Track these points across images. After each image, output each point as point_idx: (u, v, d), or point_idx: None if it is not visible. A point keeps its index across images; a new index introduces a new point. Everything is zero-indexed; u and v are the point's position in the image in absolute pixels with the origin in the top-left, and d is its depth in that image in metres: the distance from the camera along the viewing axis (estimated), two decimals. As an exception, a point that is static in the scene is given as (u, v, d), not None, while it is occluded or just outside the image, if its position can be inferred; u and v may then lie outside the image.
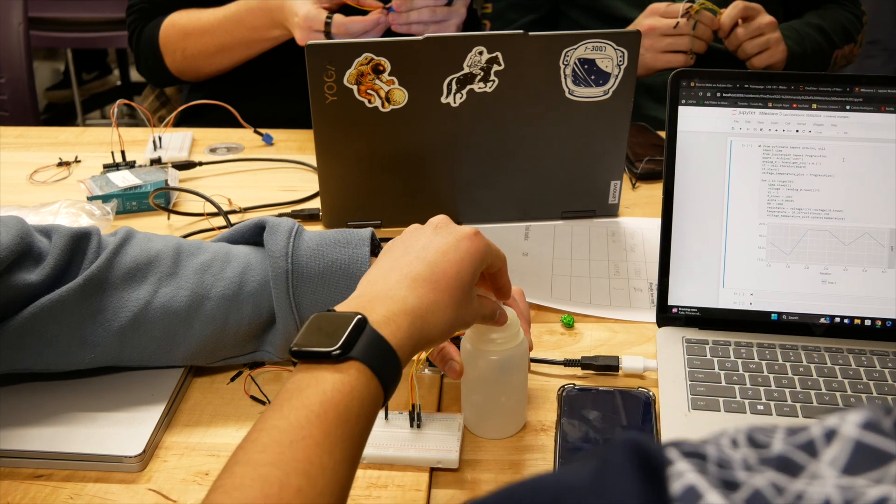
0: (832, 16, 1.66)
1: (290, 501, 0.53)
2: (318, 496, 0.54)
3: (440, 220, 0.75)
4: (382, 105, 1.09)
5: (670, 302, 0.95)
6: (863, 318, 0.93)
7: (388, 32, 1.36)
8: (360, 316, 0.63)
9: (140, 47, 1.60)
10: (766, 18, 1.47)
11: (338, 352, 0.60)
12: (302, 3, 1.34)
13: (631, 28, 1.48)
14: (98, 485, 0.77)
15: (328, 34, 1.31)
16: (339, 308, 0.66)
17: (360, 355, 0.61)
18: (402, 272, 0.69)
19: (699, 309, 0.95)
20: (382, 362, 0.62)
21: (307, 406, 0.58)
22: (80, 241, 0.85)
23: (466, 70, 1.08)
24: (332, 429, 0.57)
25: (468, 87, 1.09)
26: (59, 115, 3.45)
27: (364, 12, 1.35)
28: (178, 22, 1.54)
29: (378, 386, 0.62)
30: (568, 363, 0.91)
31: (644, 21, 1.49)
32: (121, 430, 0.81)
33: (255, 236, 0.90)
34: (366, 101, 1.09)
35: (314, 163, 1.18)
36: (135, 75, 3.55)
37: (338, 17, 1.32)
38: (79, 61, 3.43)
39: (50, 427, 0.81)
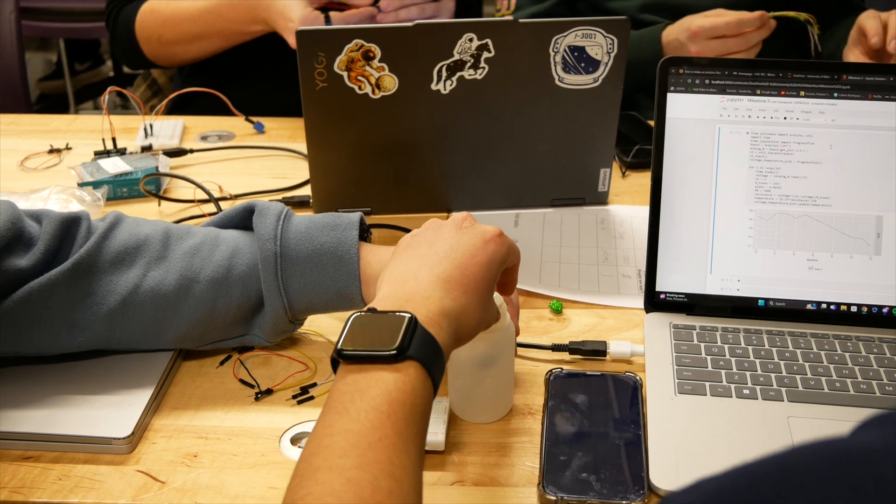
0: None
1: (385, 503, 0.53)
2: (405, 497, 0.55)
3: (463, 216, 0.76)
4: (373, 91, 1.09)
5: (658, 288, 0.95)
6: (849, 305, 0.93)
7: None
8: (411, 315, 0.63)
9: (116, 29, 1.60)
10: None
11: (395, 352, 0.61)
12: (294, 6, 1.34)
13: (682, 30, 1.44)
14: (87, 466, 0.78)
15: None
16: (375, 305, 0.66)
17: (417, 354, 0.61)
18: (432, 272, 0.69)
19: (687, 295, 0.95)
20: (434, 361, 0.63)
21: (375, 407, 0.58)
22: (70, 226, 0.85)
23: (457, 57, 1.08)
24: (403, 428, 0.58)
25: (458, 73, 1.09)
26: (52, 105, 3.44)
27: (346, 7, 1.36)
28: (156, 8, 1.54)
29: (431, 384, 0.63)
30: (556, 348, 0.92)
31: (694, 22, 1.43)
32: (110, 412, 0.81)
33: (244, 220, 0.90)
34: (356, 88, 1.09)
35: (305, 151, 1.18)
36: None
37: (335, 16, 1.32)
38: (71, 52, 3.42)
39: (40, 409, 0.81)
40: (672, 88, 0.95)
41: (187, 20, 1.50)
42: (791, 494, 0.38)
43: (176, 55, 1.56)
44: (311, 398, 0.85)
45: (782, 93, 0.94)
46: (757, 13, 1.39)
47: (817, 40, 1.45)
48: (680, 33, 1.45)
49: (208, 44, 1.52)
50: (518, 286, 0.96)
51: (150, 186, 1.23)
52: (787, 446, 0.42)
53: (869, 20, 1.39)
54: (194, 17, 1.49)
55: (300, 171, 1.32)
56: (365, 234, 0.89)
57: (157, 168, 1.26)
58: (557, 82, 1.12)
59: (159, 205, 1.23)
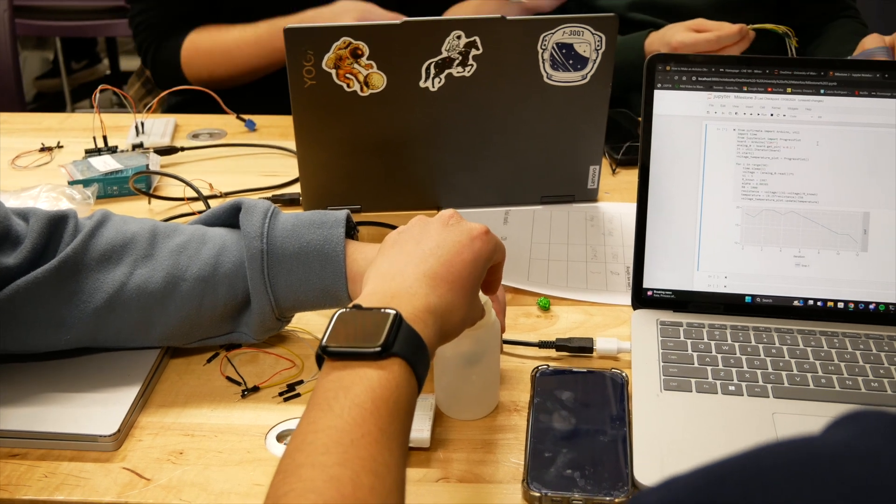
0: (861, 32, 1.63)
1: (366, 499, 0.53)
2: (387, 494, 0.55)
3: (450, 214, 0.76)
4: (361, 89, 1.09)
5: (645, 285, 0.95)
6: (836, 301, 0.94)
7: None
8: (395, 312, 0.63)
9: (157, 68, 1.59)
10: None
11: (380, 349, 0.61)
12: (360, 13, 1.36)
13: (663, 43, 1.45)
14: (73, 464, 0.78)
15: None
16: (360, 302, 0.66)
17: (401, 351, 0.61)
18: (418, 268, 0.69)
19: (674, 292, 0.95)
20: (419, 358, 0.63)
21: (359, 404, 0.58)
22: (57, 224, 0.85)
23: (445, 54, 1.08)
24: (386, 425, 0.58)
25: (446, 71, 1.09)
26: (48, 104, 3.44)
27: None
28: (200, 45, 1.53)
29: (415, 381, 0.63)
30: (543, 345, 0.92)
31: (675, 37, 1.43)
32: (96, 409, 0.81)
33: (231, 218, 0.90)
34: (344, 86, 1.09)
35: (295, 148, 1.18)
36: (124, 64, 3.54)
37: None
38: (68, 50, 3.42)
39: (25, 407, 0.82)
40: (659, 85, 0.95)
41: (237, 56, 1.51)
42: (758, 494, 0.38)
43: (227, 84, 1.56)
44: (298, 395, 0.86)
45: (769, 89, 0.94)
46: (736, 27, 1.39)
47: (794, 54, 1.45)
48: (661, 46, 1.46)
49: (262, 73, 1.54)
50: (506, 283, 0.96)
51: (141, 184, 1.23)
52: (758, 444, 0.42)
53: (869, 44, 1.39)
54: (244, 52, 1.51)
55: (291, 168, 1.32)
56: (352, 231, 0.90)
57: (147, 166, 1.26)
58: (546, 79, 1.12)
59: (149, 203, 1.23)
